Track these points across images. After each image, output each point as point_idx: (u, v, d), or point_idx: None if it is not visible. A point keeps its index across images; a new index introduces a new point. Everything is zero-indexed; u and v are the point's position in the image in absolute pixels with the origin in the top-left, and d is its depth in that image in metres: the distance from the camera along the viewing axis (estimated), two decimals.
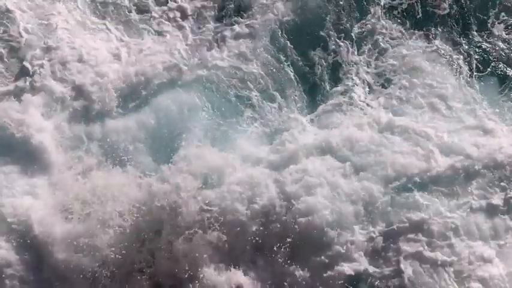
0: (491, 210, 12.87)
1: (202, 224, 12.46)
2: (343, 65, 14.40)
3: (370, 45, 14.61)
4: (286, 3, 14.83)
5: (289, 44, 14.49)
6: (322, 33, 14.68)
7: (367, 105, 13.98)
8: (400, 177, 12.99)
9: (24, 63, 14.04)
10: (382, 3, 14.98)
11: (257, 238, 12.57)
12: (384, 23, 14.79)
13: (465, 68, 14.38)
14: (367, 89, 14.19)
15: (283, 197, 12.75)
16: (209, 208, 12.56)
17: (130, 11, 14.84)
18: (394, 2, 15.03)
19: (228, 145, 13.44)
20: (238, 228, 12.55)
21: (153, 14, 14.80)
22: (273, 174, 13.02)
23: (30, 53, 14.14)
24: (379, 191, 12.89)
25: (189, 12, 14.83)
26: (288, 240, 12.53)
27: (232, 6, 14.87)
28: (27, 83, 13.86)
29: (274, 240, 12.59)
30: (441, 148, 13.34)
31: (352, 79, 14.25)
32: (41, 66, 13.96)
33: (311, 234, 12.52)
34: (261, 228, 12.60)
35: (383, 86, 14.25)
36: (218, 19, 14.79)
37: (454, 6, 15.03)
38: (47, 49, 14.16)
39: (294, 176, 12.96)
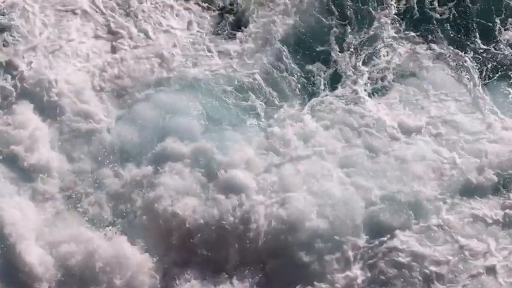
0: (499, 219, 12.41)
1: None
2: (343, 74, 14.15)
3: (371, 52, 14.39)
4: (284, 15, 14.80)
5: (288, 54, 14.36)
6: (322, 42, 14.54)
7: (369, 110, 13.68)
8: (400, 182, 12.60)
9: (18, 60, 14.00)
10: (386, 12, 14.88)
11: (238, 252, 12.19)
12: (386, 30, 14.61)
13: (473, 74, 14.05)
14: (368, 96, 13.91)
15: (267, 203, 12.42)
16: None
17: (130, 13, 14.90)
18: (396, 10, 14.91)
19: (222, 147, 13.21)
20: (220, 242, 12.23)
21: (152, 18, 14.83)
22: (260, 176, 12.77)
23: (24, 49, 14.14)
24: (374, 196, 12.48)
25: (187, 21, 14.84)
26: (268, 253, 12.16)
27: (231, 19, 14.87)
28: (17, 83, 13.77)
29: (254, 254, 12.17)
30: (447, 153, 12.99)
31: (352, 86, 13.98)
32: (32, 64, 13.91)
33: (295, 247, 12.08)
34: (242, 241, 12.22)
35: (384, 93, 13.97)
36: (215, 32, 14.73)
37: (459, 12, 14.83)
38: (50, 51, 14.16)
39: (281, 179, 12.66)
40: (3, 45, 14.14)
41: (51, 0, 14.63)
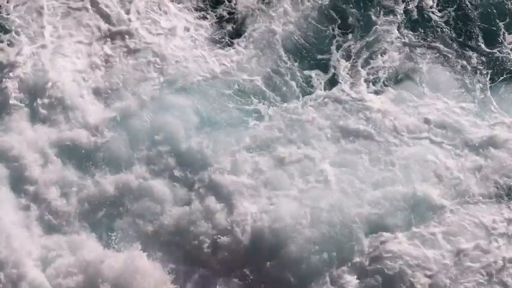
0: (500, 225, 12.25)
1: None
2: (342, 76, 14.04)
3: (371, 55, 14.33)
4: (284, 22, 14.76)
5: (287, 60, 14.27)
6: (322, 46, 14.51)
7: (368, 112, 13.54)
8: (399, 185, 12.42)
9: (20, 62, 13.85)
10: (388, 17, 14.87)
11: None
12: (387, 35, 14.58)
13: (478, 77, 14.00)
14: (367, 98, 13.74)
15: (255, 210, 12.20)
16: None
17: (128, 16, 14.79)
18: (397, 14, 14.89)
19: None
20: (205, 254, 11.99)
21: (151, 21, 14.72)
22: (251, 180, 12.54)
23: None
24: (370, 200, 12.24)
25: (187, 26, 14.75)
26: (256, 263, 11.85)
27: (230, 27, 14.79)
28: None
29: (242, 263, 11.89)
30: (449, 157, 12.85)
31: (351, 88, 13.87)
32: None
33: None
34: (229, 252, 11.95)
35: (384, 96, 13.82)
36: (215, 39, 14.67)
37: (463, 17, 14.82)
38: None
39: (274, 182, 12.45)
40: (8, 45, 14.06)
41: None
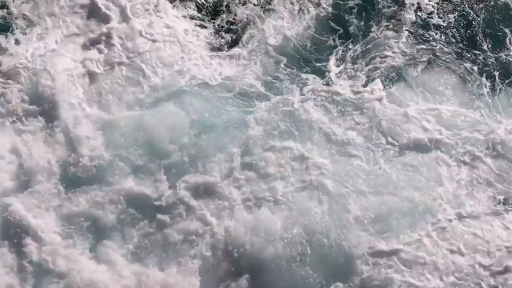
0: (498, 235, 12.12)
1: None
2: (340, 79, 14.02)
3: (372, 59, 14.26)
4: (277, 33, 14.74)
5: (285, 66, 14.24)
6: (321, 52, 14.48)
7: (366, 117, 13.50)
8: (397, 192, 12.33)
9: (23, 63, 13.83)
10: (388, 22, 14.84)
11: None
12: (389, 40, 14.51)
13: (483, 81, 13.88)
14: (367, 100, 13.67)
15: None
16: None
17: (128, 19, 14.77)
18: (395, 17, 14.87)
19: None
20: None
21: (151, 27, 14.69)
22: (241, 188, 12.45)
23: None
24: (365, 206, 12.17)
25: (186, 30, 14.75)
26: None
27: (229, 36, 14.75)
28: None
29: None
30: (449, 163, 12.74)
31: (350, 91, 13.82)
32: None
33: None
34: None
35: (384, 98, 13.70)
36: (214, 46, 14.65)
37: (466, 21, 14.77)
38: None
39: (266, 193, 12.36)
40: (14, 44, 14.09)
41: None
